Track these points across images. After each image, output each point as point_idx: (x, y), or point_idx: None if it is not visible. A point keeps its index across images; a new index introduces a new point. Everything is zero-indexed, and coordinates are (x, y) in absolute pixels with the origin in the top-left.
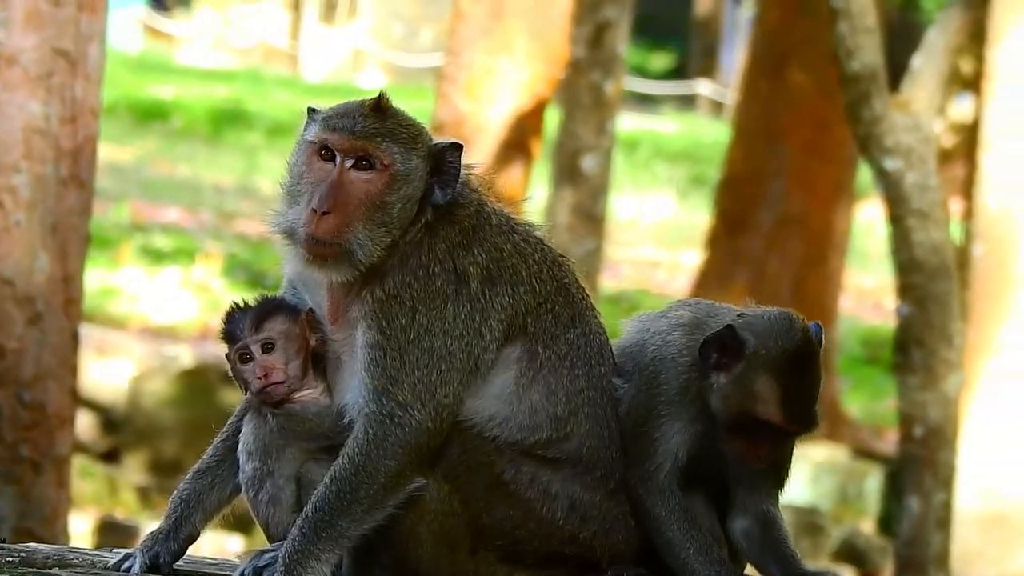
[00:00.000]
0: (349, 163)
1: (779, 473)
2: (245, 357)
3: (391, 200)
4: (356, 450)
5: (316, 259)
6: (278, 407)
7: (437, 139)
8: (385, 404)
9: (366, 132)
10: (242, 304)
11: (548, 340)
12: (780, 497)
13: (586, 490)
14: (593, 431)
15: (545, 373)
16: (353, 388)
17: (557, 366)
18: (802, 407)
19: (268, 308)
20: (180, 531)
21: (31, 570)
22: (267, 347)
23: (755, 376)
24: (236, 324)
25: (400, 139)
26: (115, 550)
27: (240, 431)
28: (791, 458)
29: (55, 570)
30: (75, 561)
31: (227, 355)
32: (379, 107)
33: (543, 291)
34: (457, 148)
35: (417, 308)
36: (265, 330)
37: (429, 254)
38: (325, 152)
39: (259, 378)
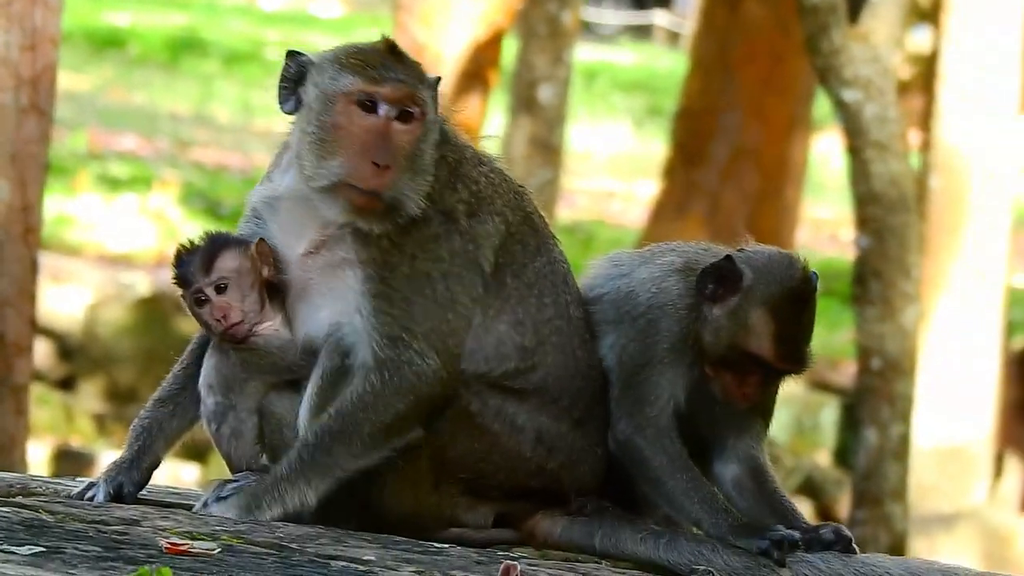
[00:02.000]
0: (393, 113)
1: (766, 416)
2: (200, 300)
3: (425, 147)
4: (367, 389)
5: (367, 211)
6: (241, 344)
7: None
8: (403, 351)
9: (408, 81)
10: (190, 245)
11: (517, 270)
12: (765, 441)
13: (552, 421)
14: (559, 360)
15: (513, 303)
16: (343, 327)
17: (525, 295)
18: (794, 346)
19: (216, 247)
20: (143, 460)
21: None
22: (221, 287)
23: (750, 309)
24: (187, 267)
25: (425, 84)
26: (77, 479)
27: (199, 359)
28: (775, 401)
29: (18, 498)
30: (38, 490)
31: (182, 296)
32: (396, 51)
33: (513, 220)
34: (438, 81)
35: (416, 255)
36: (216, 271)
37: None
38: (368, 104)
39: (218, 320)
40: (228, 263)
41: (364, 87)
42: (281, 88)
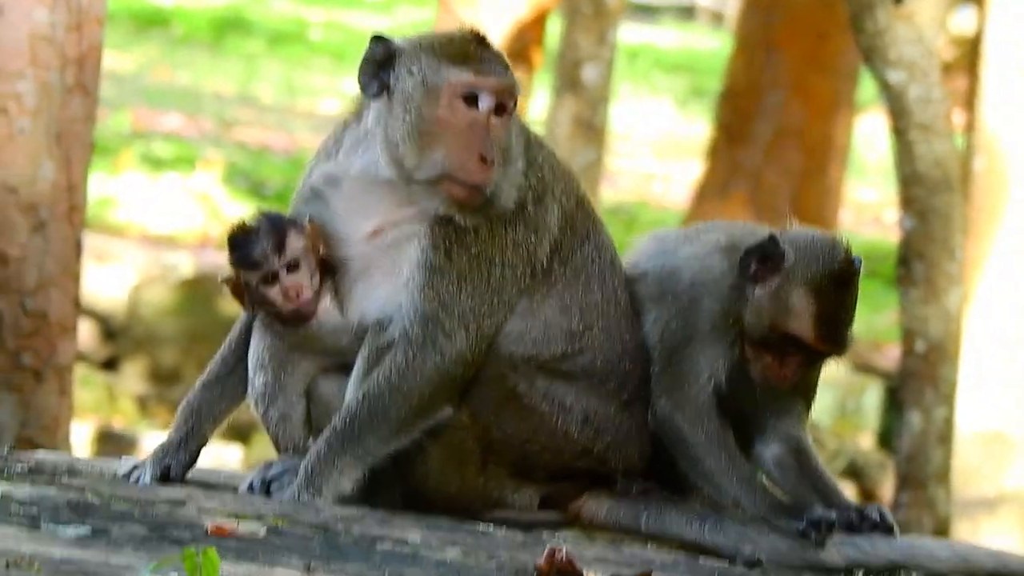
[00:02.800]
0: (493, 107)
1: (808, 397)
2: (271, 281)
3: (514, 140)
4: (394, 371)
5: (468, 204)
6: (301, 324)
7: None
8: (431, 330)
9: (506, 75)
10: (244, 227)
11: (565, 256)
12: (807, 421)
13: (600, 402)
14: (607, 344)
15: (559, 288)
16: (392, 304)
17: (572, 281)
18: (834, 327)
19: (282, 227)
20: (191, 443)
21: (41, 477)
22: (293, 267)
23: (792, 290)
24: (251, 249)
25: (512, 74)
26: (124, 458)
27: (245, 340)
28: (817, 383)
29: (64, 478)
30: (84, 470)
31: (227, 280)
32: (485, 42)
33: (568, 207)
34: None
35: (486, 237)
36: (289, 250)
37: None
38: (472, 98)
39: (290, 299)
40: (296, 242)
41: (470, 81)
42: (364, 72)
